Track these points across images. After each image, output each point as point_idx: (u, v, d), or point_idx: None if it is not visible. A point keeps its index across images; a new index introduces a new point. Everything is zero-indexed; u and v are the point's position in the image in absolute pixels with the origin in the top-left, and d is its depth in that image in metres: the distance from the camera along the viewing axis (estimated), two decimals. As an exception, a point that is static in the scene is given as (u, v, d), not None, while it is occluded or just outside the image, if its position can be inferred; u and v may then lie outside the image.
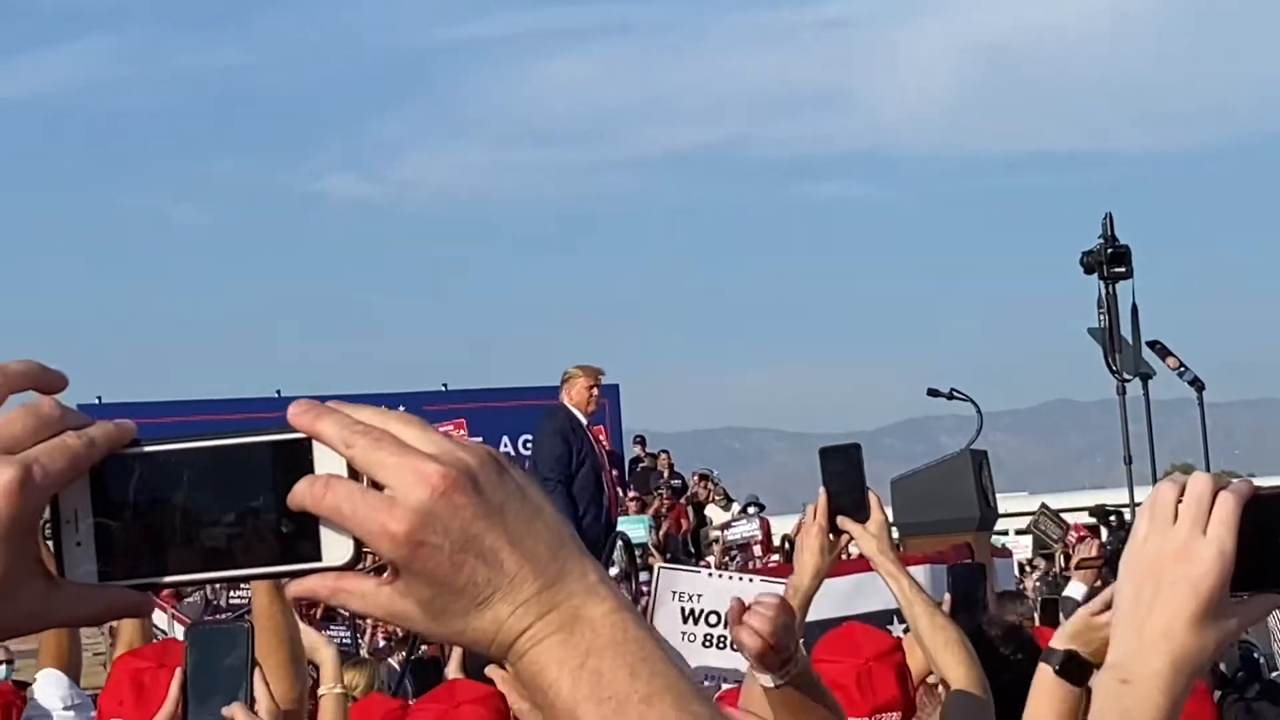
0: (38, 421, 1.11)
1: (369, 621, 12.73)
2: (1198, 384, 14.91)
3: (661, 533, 21.12)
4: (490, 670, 4.00)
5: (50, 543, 1.14)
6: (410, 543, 1.09)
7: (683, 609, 9.43)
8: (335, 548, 1.13)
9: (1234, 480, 1.71)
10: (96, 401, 27.26)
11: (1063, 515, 15.23)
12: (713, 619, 9.16)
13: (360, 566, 1.14)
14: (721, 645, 9.13)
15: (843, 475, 4.14)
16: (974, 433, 9.82)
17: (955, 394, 11.11)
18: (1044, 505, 14.93)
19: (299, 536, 1.13)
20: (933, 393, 11.53)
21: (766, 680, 3.30)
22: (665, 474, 23.60)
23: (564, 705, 1.11)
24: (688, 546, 21.86)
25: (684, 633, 9.03)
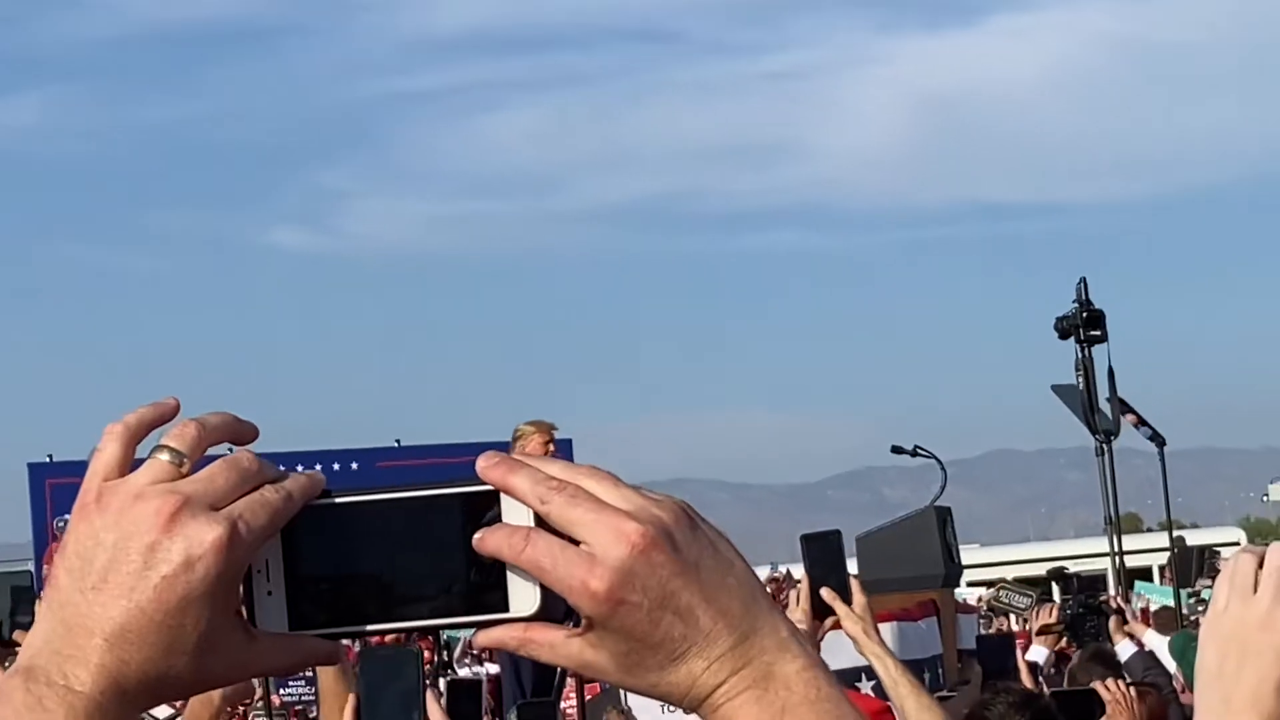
0: (239, 476, 1.12)
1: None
2: (1158, 439, 15.07)
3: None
4: None
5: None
6: (611, 600, 1.09)
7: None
8: (522, 598, 1.14)
9: None
10: (48, 459, 27.01)
11: (1021, 581, 15.19)
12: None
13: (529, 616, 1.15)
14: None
15: (824, 560, 4.37)
16: (937, 489, 9.89)
17: (919, 451, 11.17)
18: (1004, 580, 15.04)
19: (487, 587, 1.14)
20: (896, 450, 11.59)
21: None
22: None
23: None
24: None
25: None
